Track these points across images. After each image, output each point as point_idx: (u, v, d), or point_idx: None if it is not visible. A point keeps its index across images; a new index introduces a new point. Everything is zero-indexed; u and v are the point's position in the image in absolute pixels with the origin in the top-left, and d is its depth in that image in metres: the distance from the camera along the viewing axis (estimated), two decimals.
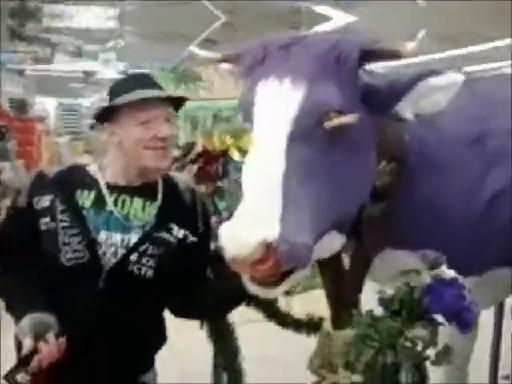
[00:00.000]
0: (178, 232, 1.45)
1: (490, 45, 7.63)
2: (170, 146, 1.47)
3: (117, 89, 1.48)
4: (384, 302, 1.14)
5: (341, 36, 1.29)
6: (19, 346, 1.31)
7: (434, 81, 1.22)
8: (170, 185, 1.52)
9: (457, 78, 1.23)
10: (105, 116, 1.44)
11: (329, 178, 1.18)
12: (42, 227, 1.40)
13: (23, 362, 1.22)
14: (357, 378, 1.10)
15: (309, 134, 1.17)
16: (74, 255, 1.37)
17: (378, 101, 1.26)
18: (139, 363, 1.48)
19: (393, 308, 1.08)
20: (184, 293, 1.47)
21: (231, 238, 1.06)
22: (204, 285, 1.49)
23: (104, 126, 1.45)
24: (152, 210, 1.45)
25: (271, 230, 1.04)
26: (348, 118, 1.19)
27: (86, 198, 1.43)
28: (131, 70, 8.65)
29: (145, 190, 1.46)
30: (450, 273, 1.12)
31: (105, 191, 1.44)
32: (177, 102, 1.52)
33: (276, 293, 1.17)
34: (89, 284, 1.37)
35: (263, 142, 1.17)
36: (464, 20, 6.50)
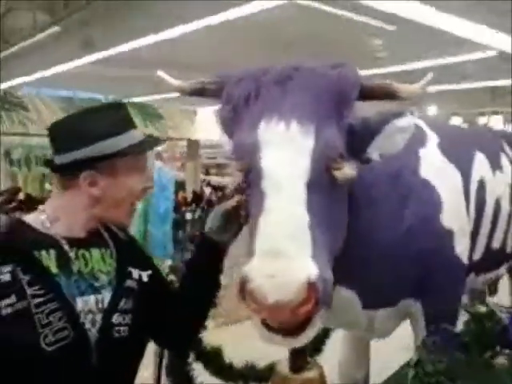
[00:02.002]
0: (135, 273, 1.27)
1: None
2: None
3: (98, 126, 1.17)
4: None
5: (338, 70, 1.26)
6: None
7: (397, 123, 1.26)
8: (105, 225, 1.31)
9: (412, 120, 1.28)
10: (85, 163, 1.17)
11: (332, 219, 1.20)
12: (3, 311, 1.05)
13: None
14: None
15: (320, 179, 1.18)
16: (56, 337, 1.08)
17: (355, 143, 1.26)
18: None
19: (463, 341, 1.11)
20: (154, 327, 1.31)
21: (271, 280, 0.99)
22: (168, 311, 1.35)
23: (83, 174, 1.17)
24: (110, 257, 1.25)
25: (311, 269, 1.03)
26: (353, 170, 1.21)
27: (49, 261, 1.14)
28: None
29: (95, 238, 1.25)
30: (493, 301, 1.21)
31: (66, 248, 1.17)
32: None
33: (305, 340, 1.08)
34: (81, 365, 1.13)
35: (280, 190, 1.13)
36: None
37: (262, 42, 6.17)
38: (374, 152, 1.29)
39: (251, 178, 1.22)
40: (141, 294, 1.26)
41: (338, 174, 1.20)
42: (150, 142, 1.28)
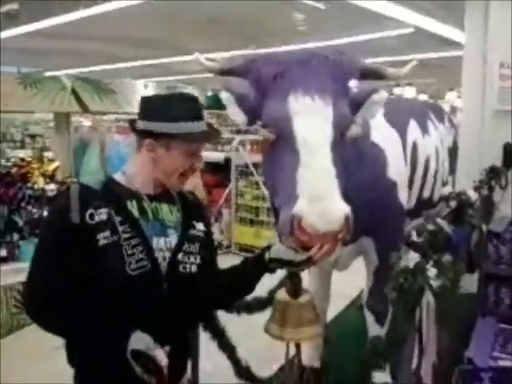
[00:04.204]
0: (199, 226, 1.59)
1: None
2: None
3: (167, 109, 1.45)
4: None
5: (345, 56, 1.57)
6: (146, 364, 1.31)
7: (375, 97, 1.57)
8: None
9: (384, 95, 1.60)
10: (151, 133, 1.45)
11: (341, 170, 1.46)
12: (101, 242, 1.38)
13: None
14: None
15: (337, 141, 1.46)
16: (137, 265, 1.41)
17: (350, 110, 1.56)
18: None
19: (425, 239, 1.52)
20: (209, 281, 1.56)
21: (321, 216, 1.27)
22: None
23: (146, 141, 1.47)
24: (176, 212, 1.56)
25: (346, 207, 1.33)
26: (358, 129, 1.54)
27: (132, 208, 1.47)
28: None
29: (165, 196, 1.56)
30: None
31: (144, 199, 1.50)
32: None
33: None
34: (155, 290, 1.44)
35: (313, 149, 1.40)
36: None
37: (188, 17, 6.31)
38: (358, 118, 1.60)
39: (281, 141, 1.46)
40: (206, 243, 1.58)
41: (348, 133, 1.50)
42: (207, 134, 1.53)
